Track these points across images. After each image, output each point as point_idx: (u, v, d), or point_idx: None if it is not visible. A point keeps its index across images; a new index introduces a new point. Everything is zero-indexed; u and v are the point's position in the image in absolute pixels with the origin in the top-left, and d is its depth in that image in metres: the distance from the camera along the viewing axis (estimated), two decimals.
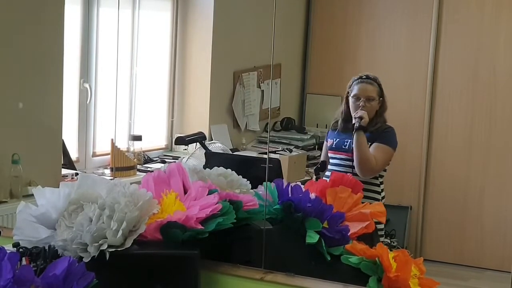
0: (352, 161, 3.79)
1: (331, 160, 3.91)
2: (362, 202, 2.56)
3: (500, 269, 5.22)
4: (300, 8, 6.11)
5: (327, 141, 3.98)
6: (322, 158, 4.06)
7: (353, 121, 3.79)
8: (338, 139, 3.89)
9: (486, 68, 5.54)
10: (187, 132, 5.19)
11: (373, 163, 3.77)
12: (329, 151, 3.94)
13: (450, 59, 5.66)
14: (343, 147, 3.86)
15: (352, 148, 3.79)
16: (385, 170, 3.88)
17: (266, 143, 5.51)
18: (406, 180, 5.70)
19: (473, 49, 5.60)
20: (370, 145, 3.81)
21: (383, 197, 3.84)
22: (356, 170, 3.76)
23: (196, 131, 5.01)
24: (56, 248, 2.09)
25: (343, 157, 3.84)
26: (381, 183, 3.85)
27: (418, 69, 5.73)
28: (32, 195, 2.26)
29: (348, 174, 3.36)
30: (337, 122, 3.94)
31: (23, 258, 2.03)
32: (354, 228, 2.41)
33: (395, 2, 5.86)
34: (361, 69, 5.50)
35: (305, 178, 4.99)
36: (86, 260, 2.01)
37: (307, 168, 5.33)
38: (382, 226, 3.50)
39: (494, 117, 5.52)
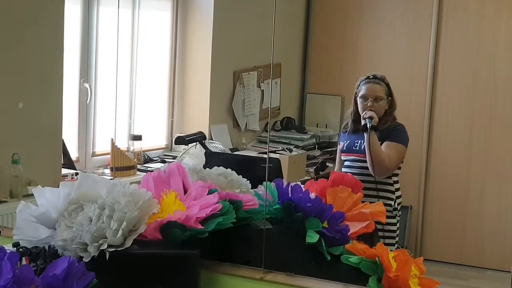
0: (364, 161, 3.75)
1: (345, 163, 3.88)
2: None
3: (500, 269, 5.22)
4: (300, 8, 6.11)
5: (339, 144, 3.97)
6: (336, 163, 4.03)
7: (363, 122, 3.76)
8: (349, 141, 3.87)
9: (486, 68, 5.54)
10: (187, 131, 5.19)
11: (387, 162, 3.74)
12: (341, 154, 3.91)
13: (450, 59, 5.66)
14: (353, 148, 3.83)
15: (363, 148, 3.76)
16: (399, 169, 3.84)
17: (266, 142, 5.51)
18: (406, 180, 5.66)
19: (473, 49, 5.60)
20: (381, 143, 3.78)
21: (398, 197, 3.80)
22: (370, 170, 3.72)
23: (196, 131, 5.01)
24: (56, 248, 2.09)
25: (355, 158, 3.82)
26: (395, 182, 3.82)
27: (418, 69, 5.73)
28: (32, 195, 2.26)
29: (348, 174, 3.37)
30: (347, 124, 3.93)
31: (23, 258, 2.03)
32: (354, 227, 2.41)
33: (395, 2, 5.86)
34: (361, 69, 5.51)
35: (305, 178, 4.99)
36: (86, 260, 2.01)
37: (307, 168, 5.33)
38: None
39: (494, 117, 5.52)
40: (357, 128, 3.83)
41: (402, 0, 5.83)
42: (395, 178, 3.82)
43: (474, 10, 5.58)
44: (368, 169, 3.73)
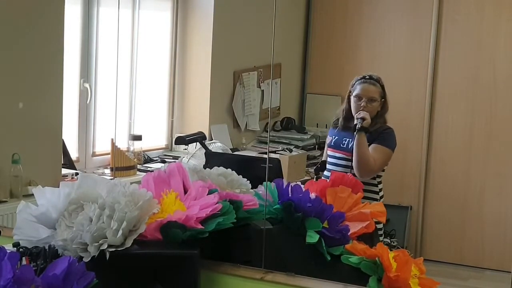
0: (350, 160, 3.77)
1: (329, 159, 3.89)
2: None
3: (500, 269, 5.23)
4: (300, 8, 6.11)
5: (327, 138, 3.98)
6: (323, 156, 4.05)
7: (355, 121, 3.77)
8: (337, 137, 3.88)
9: (486, 68, 5.54)
10: (187, 132, 5.19)
11: (372, 164, 3.75)
12: (328, 149, 3.93)
13: (450, 59, 5.66)
14: (341, 145, 3.84)
15: (351, 147, 3.77)
16: (383, 170, 3.87)
17: (266, 143, 5.50)
18: (406, 180, 5.70)
19: (473, 49, 5.60)
20: (369, 145, 3.79)
21: (381, 197, 3.83)
22: (354, 170, 3.73)
23: (196, 131, 5.01)
24: (56, 247, 2.09)
25: (341, 155, 3.83)
26: (379, 183, 3.84)
27: (418, 69, 5.73)
28: (32, 194, 2.26)
29: (348, 174, 3.36)
30: (338, 120, 3.93)
31: (23, 258, 2.03)
32: (354, 228, 2.41)
33: (395, 2, 5.86)
34: (361, 69, 5.51)
35: (305, 178, 4.99)
36: (86, 260, 2.01)
37: (307, 168, 5.33)
38: (381, 225, 3.49)
39: (494, 117, 5.52)
40: (347, 126, 3.84)
41: (402, 0, 5.83)
42: (379, 179, 3.84)
43: (474, 10, 5.58)
44: (352, 168, 3.74)
